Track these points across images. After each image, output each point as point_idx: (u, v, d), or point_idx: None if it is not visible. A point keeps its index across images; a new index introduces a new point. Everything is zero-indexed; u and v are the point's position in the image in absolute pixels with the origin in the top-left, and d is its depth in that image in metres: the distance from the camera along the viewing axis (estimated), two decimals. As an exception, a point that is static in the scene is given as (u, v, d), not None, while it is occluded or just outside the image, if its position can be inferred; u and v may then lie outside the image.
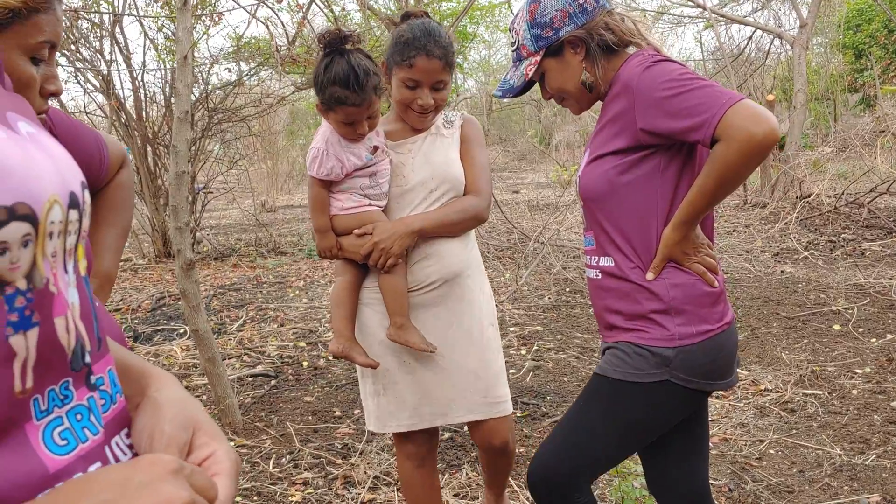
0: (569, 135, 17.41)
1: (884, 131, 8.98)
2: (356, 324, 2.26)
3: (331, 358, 4.87)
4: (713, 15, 11.88)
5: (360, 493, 3.07)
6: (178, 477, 0.56)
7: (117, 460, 0.65)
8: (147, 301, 6.67)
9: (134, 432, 0.69)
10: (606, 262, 1.77)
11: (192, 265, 3.66)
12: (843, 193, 8.67)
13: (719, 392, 3.87)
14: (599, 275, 1.80)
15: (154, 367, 0.77)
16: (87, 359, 0.64)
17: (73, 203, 0.62)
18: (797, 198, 8.77)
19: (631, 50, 1.81)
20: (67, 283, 0.62)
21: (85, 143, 1.58)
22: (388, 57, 2.16)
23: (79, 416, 0.62)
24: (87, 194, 0.66)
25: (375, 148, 2.13)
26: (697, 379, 1.68)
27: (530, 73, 1.83)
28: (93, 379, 0.65)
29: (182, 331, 5.54)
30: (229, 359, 4.91)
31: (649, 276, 1.70)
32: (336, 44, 2.04)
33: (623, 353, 1.72)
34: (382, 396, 2.25)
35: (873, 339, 4.51)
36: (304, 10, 7.21)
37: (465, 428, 3.62)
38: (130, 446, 0.68)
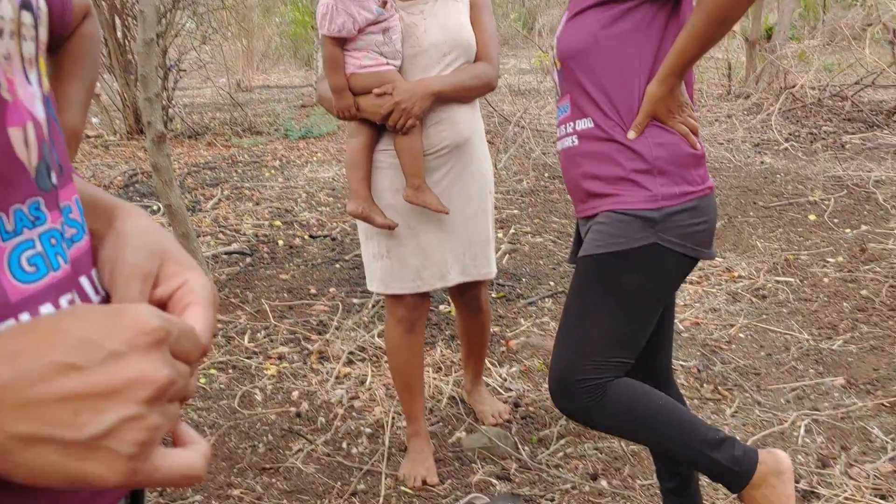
0: (553, 19, 16.91)
1: (872, 24, 8.80)
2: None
3: (307, 237, 4.84)
4: None
5: (334, 367, 3.10)
6: (159, 349, 0.47)
7: (90, 295, 0.59)
8: (119, 178, 6.54)
9: (98, 266, 0.62)
10: (584, 124, 1.66)
11: (163, 138, 3.56)
12: (827, 85, 8.58)
13: (692, 277, 3.91)
14: (576, 141, 1.69)
15: (123, 201, 0.68)
16: (55, 180, 0.57)
17: (26, 4, 0.55)
18: (781, 89, 8.66)
19: None
20: (33, 96, 0.55)
21: None
22: None
23: (52, 241, 0.55)
24: (42, 2, 0.58)
25: (384, 2, 2.08)
26: (685, 242, 1.61)
27: None
28: (61, 205, 0.57)
29: (155, 207, 5.46)
30: (204, 236, 4.86)
31: (631, 134, 1.60)
32: None
33: (604, 225, 1.63)
34: (386, 259, 2.29)
35: (847, 230, 4.55)
36: None
37: (441, 308, 3.64)
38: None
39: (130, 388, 0.44)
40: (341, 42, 2.10)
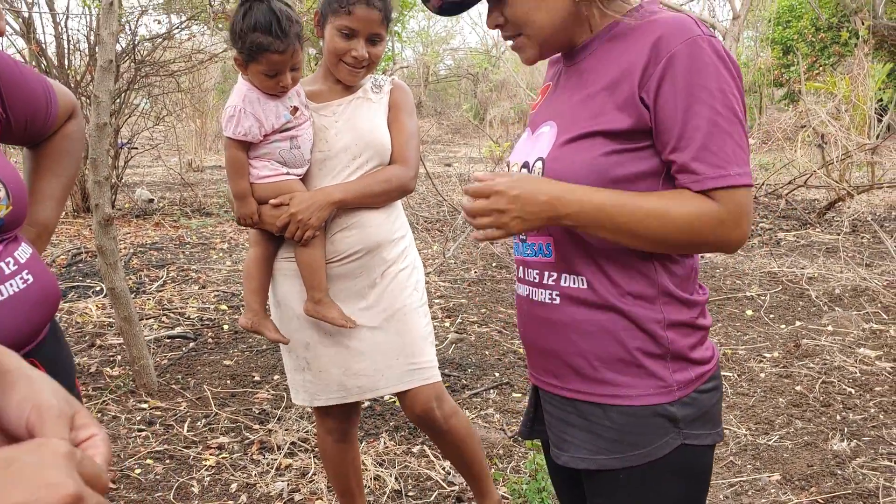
0: (503, 111, 17.46)
1: (805, 126, 9.29)
2: (275, 296, 2.21)
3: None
4: (651, 1, 12.04)
5: (276, 459, 3.05)
6: (68, 463, 0.53)
7: None
8: (62, 256, 6.44)
9: (10, 406, 0.65)
10: (574, 282, 1.29)
11: (110, 220, 3.54)
12: (763, 184, 8.96)
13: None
14: (557, 299, 1.30)
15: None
16: None
17: None
18: (720, 186, 9.01)
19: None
20: None
21: (31, 90, 1.54)
22: (322, 6, 2.08)
23: None
24: None
25: (295, 109, 2.05)
26: (709, 430, 1.31)
27: None
28: None
29: (98, 288, 5.38)
30: (147, 319, 4.79)
31: None
32: None
33: (610, 429, 1.28)
34: (307, 371, 2.20)
35: (783, 326, 4.69)
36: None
37: (385, 397, 3.62)
38: None
39: (44, 494, 0.50)
40: (245, 146, 2.03)
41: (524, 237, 1.38)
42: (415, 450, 3.12)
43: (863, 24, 12.77)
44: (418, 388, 2.19)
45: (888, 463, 2.97)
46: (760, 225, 7.75)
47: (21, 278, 1.34)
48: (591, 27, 1.31)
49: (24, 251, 1.39)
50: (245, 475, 2.95)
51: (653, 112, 1.20)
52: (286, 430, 3.27)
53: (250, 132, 2.00)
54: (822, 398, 3.59)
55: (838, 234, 7.00)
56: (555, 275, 1.30)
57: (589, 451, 1.29)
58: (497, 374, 3.95)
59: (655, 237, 1.19)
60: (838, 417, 3.39)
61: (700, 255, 1.39)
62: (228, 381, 3.87)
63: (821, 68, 15.23)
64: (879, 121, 9.62)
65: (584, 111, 1.25)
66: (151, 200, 8.96)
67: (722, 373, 3.90)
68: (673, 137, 1.18)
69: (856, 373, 3.86)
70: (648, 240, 1.20)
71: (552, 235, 1.31)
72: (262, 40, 1.91)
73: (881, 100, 9.95)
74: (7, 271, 1.33)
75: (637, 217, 1.18)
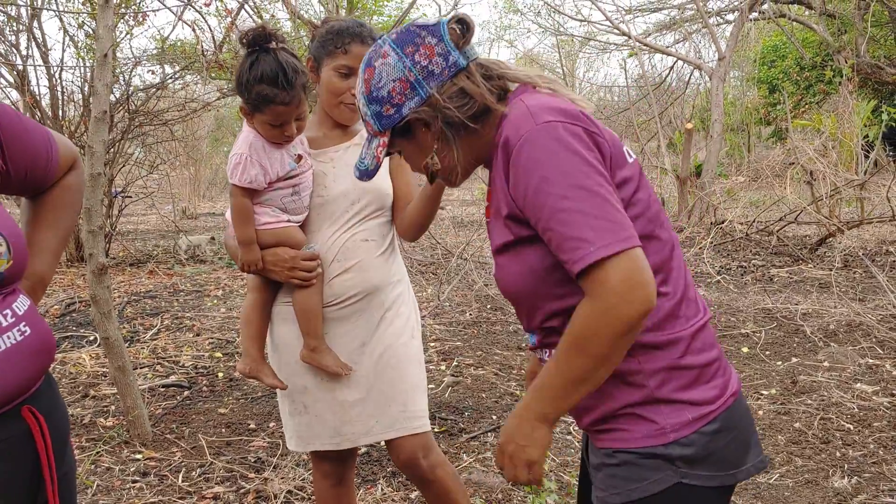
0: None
1: (793, 163, 9.38)
2: (273, 340, 2.21)
3: (247, 369, 4.77)
4: (637, 44, 12.26)
5: (272, 508, 3.01)
6: None
7: None
8: (56, 306, 6.42)
9: None
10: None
11: (104, 270, 3.54)
12: (754, 221, 9.02)
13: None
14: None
15: None
16: None
17: None
18: (712, 223, 9.07)
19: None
20: None
21: (32, 141, 1.55)
22: (315, 51, 2.09)
23: None
24: None
25: (299, 157, 2.07)
26: (715, 471, 1.31)
27: (382, 156, 1.46)
28: None
29: (92, 338, 5.35)
30: (141, 368, 4.76)
31: None
32: (260, 42, 1.95)
33: (614, 467, 1.35)
34: (303, 415, 2.18)
35: (779, 362, 4.69)
36: (232, 15, 7.11)
37: (382, 443, 3.59)
38: None
39: None
40: (251, 193, 2.04)
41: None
42: (413, 496, 3.09)
43: (846, 62, 12.99)
44: (406, 436, 2.17)
45: (890, 500, 2.95)
46: (753, 262, 7.78)
47: (19, 330, 1.35)
48: (481, 152, 1.44)
49: (21, 303, 1.39)
50: (241, 525, 2.91)
51: (521, 208, 1.29)
52: (282, 478, 3.24)
53: (256, 180, 2.01)
54: (821, 435, 3.58)
55: (830, 270, 7.03)
56: (546, 352, 1.43)
57: (602, 490, 1.39)
58: (494, 417, 3.92)
59: (587, 368, 1.23)
60: (838, 454, 3.37)
61: (679, 287, 1.37)
62: (223, 430, 3.83)
63: (806, 106, 15.47)
64: (866, 157, 9.74)
65: (497, 223, 1.37)
66: (212, 239, 8.86)
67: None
68: (538, 223, 1.25)
69: (854, 408, 3.85)
70: (587, 376, 1.24)
71: (522, 322, 1.44)
72: (267, 92, 1.92)
73: (867, 136, 10.07)
74: (5, 323, 1.33)
75: (561, 373, 1.26)
